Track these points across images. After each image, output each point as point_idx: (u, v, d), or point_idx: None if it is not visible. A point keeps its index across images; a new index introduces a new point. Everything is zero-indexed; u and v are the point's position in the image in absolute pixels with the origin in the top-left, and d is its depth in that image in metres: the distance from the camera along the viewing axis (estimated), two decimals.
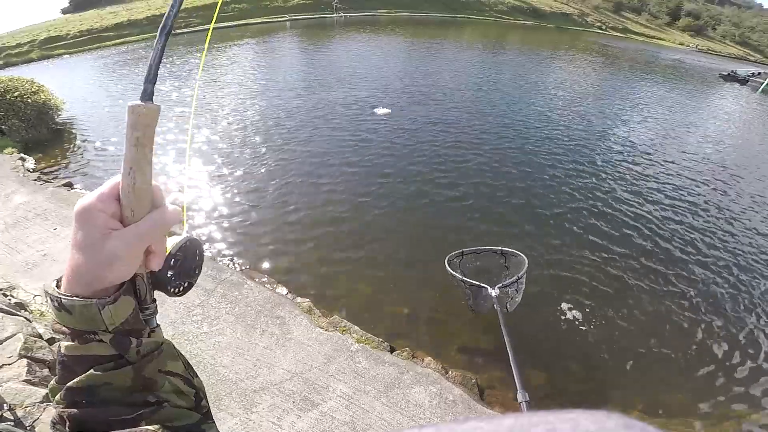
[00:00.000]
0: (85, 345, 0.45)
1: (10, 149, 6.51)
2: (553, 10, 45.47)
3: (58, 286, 0.46)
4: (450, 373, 2.96)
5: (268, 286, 3.75)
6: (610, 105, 11.43)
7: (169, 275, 0.52)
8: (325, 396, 2.70)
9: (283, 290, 3.72)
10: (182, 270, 0.54)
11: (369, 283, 3.96)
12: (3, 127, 7.08)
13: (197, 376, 0.58)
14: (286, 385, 2.77)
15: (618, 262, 4.51)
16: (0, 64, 17.61)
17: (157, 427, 0.45)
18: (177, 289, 0.54)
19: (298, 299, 3.59)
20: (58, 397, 0.46)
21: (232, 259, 4.20)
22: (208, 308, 3.39)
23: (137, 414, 0.46)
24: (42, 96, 7.74)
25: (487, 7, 40.56)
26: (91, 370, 0.45)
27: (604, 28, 45.33)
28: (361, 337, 3.19)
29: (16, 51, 19.11)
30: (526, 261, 3.30)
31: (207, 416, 0.58)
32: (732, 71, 21.83)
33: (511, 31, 30.75)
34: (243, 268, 4.06)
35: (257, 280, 3.83)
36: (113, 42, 20.93)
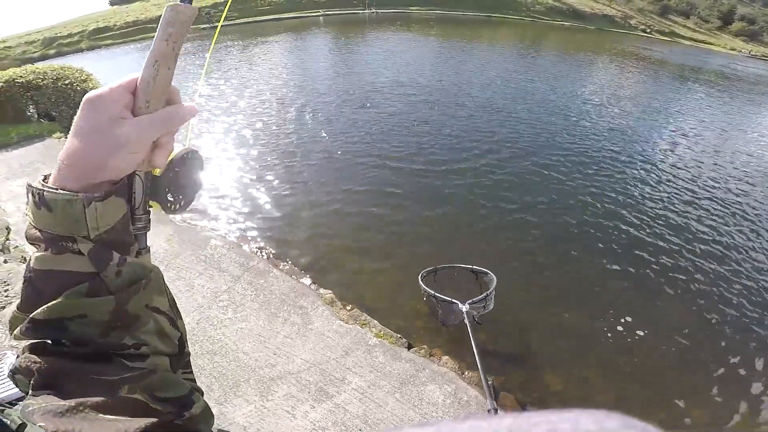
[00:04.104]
0: (59, 256, 0.39)
1: (58, 134, 6.92)
2: (595, 11, 43.78)
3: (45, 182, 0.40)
4: (466, 373, 2.95)
5: (293, 275, 3.84)
6: (651, 112, 10.96)
7: (166, 185, 0.48)
8: (340, 388, 2.75)
9: (307, 280, 3.80)
10: (181, 182, 0.49)
11: (392, 279, 4.00)
12: (53, 112, 7.54)
13: (181, 318, 0.51)
14: (303, 375, 2.83)
15: (648, 272, 4.37)
16: (53, 53, 18.71)
17: (145, 396, 0.40)
18: (175, 205, 0.50)
19: (321, 290, 3.66)
20: (17, 331, 0.39)
21: (260, 247, 4.32)
22: (234, 294, 3.50)
23: (120, 378, 0.39)
24: (90, 84, 8.16)
25: (523, 6, 39.52)
26: (63, 297, 0.38)
27: (648, 31, 43.28)
28: (380, 331, 3.22)
29: (67, 41, 20.23)
30: (495, 279, 3.46)
31: (187, 366, 0.52)
32: None
33: (550, 33, 29.86)
34: (270, 256, 4.17)
35: (283, 268, 3.92)
36: (151, 35, 21.74)
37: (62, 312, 0.38)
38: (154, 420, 0.38)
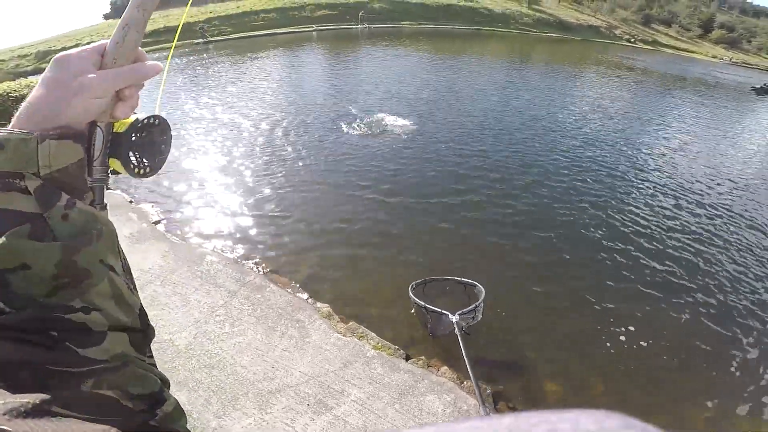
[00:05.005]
0: (5, 194, 0.36)
1: None
2: (580, 22, 44.90)
3: None
4: (465, 383, 2.97)
5: (289, 289, 3.86)
6: (638, 123, 11.25)
7: (128, 145, 0.48)
8: (339, 400, 2.76)
9: (304, 294, 3.82)
10: (145, 146, 0.50)
11: (389, 292, 4.02)
12: None
13: (136, 289, 0.48)
14: (302, 387, 2.84)
15: (642, 278, 4.45)
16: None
17: (116, 392, 0.37)
18: (138, 168, 0.49)
19: (318, 304, 3.68)
20: None
21: (256, 263, 4.33)
22: (231, 309, 3.51)
23: (89, 369, 0.36)
24: None
25: (512, 19, 40.41)
26: (3, 238, 0.35)
27: (632, 40, 44.41)
28: (378, 343, 3.24)
29: None
30: (484, 291, 3.53)
31: (149, 336, 0.49)
32: (765, 84, 21.01)
33: (537, 45, 30.47)
34: (266, 271, 4.18)
35: (279, 283, 3.94)
36: (151, 48, 21.81)
37: (2, 259, 0.35)
38: (130, 424, 0.35)
